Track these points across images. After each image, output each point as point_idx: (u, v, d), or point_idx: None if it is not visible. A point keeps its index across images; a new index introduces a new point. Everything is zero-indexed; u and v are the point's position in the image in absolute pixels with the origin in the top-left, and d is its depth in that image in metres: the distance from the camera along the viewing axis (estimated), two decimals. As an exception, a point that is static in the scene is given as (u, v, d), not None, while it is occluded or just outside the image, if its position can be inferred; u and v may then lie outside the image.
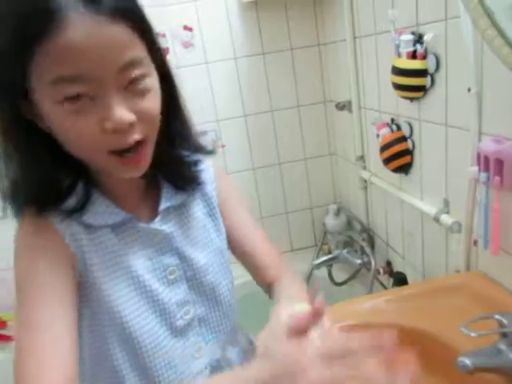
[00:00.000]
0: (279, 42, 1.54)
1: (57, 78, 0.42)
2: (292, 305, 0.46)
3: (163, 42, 1.47)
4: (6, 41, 0.42)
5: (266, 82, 1.58)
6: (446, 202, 0.95)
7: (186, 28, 1.48)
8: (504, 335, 0.60)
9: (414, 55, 0.91)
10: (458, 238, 0.90)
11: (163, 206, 0.57)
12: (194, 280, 0.58)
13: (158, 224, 0.56)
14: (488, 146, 0.72)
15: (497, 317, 0.60)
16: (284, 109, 1.62)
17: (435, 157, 0.95)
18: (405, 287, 1.05)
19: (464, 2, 0.57)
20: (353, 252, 1.45)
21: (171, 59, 1.50)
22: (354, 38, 1.27)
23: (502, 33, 0.54)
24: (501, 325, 0.60)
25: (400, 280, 1.17)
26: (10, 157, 0.49)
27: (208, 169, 0.63)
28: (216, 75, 1.54)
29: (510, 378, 0.60)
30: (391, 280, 1.26)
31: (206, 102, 1.56)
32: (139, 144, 0.47)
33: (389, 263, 1.36)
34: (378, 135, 1.13)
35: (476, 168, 0.75)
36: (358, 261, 1.40)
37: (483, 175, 0.73)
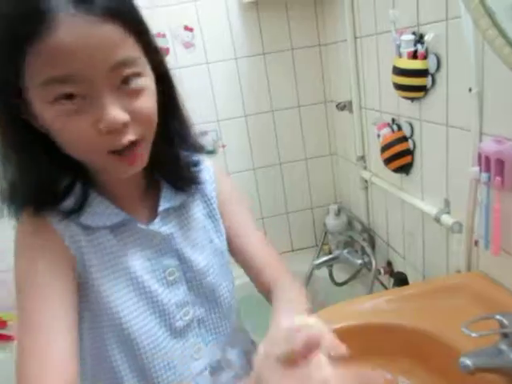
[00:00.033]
0: (280, 42, 1.54)
1: (47, 78, 0.42)
2: (291, 314, 0.46)
3: (164, 43, 1.47)
4: None
5: (267, 82, 1.58)
6: (447, 202, 0.94)
7: (186, 28, 1.49)
8: (505, 335, 0.60)
9: (414, 55, 0.91)
10: (459, 239, 0.90)
11: (162, 206, 0.56)
12: (193, 281, 0.58)
13: (157, 225, 0.56)
14: (489, 146, 0.72)
15: (498, 317, 0.60)
16: (284, 109, 1.62)
17: (436, 157, 0.95)
18: (405, 287, 1.04)
19: (465, 1, 0.57)
20: (353, 252, 1.45)
21: (172, 59, 1.52)
22: (355, 38, 1.27)
23: (502, 33, 0.54)
24: (502, 325, 0.60)
25: (401, 280, 1.17)
26: (8, 157, 0.49)
27: (208, 169, 0.63)
28: (216, 75, 1.54)
29: (511, 378, 0.60)
30: (392, 280, 1.26)
31: (207, 102, 1.56)
32: (134, 144, 0.47)
33: (389, 263, 1.36)
34: (378, 135, 1.13)
35: (477, 168, 0.75)
36: (359, 261, 1.40)
37: (484, 175, 0.73)
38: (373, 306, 0.85)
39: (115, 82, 0.44)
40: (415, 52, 0.91)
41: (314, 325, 0.39)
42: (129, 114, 0.45)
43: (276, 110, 1.62)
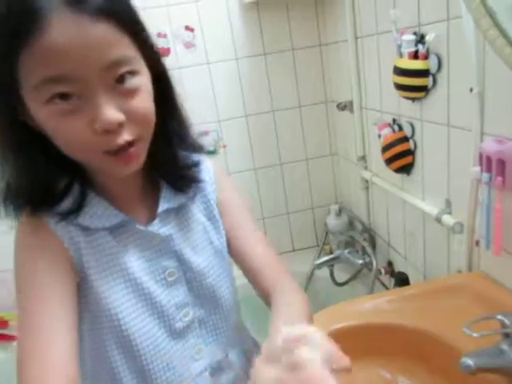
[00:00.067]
0: (280, 42, 1.54)
1: (41, 78, 0.42)
2: (291, 320, 0.45)
3: (165, 43, 1.47)
4: None
5: (268, 82, 1.58)
6: (448, 203, 0.94)
7: (187, 28, 1.49)
8: (506, 335, 0.60)
9: (415, 55, 0.91)
10: (460, 239, 0.90)
11: (162, 207, 0.56)
12: (193, 282, 0.58)
13: (156, 226, 0.55)
14: (490, 146, 0.72)
15: (499, 317, 0.60)
16: (285, 109, 1.62)
17: (437, 157, 0.95)
18: (406, 287, 1.05)
19: (466, 2, 0.57)
20: (354, 252, 1.45)
21: (173, 59, 1.53)
22: (356, 38, 1.27)
23: (504, 33, 0.54)
24: (503, 325, 0.60)
25: (402, 280, 1.17)
26: (6, 158, 0.49)
27: (208, 170, 0.62)
28: (217, 75, 1.54)
29: (513, 378, 0.60)
30: (393, 280, 1.26)
31: (208, 102, 1.56)
32: (130, 145, 0.47)
33: (390, 263, 1.35)
34: (379, 135, 1.13)
35: (478, 168, 0.75)
36: (360, 261, 1.40)
37: (485, 175, 0.73)
38: (374, 306, 0.85)
39: (110, 81, 0.44)
40: (416, 52, 0.91)
41: (313, 335, 0.38)
42: (124, 113, 0.45)
43: (277, 110, 1.62)
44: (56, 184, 0.50)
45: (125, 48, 0.45)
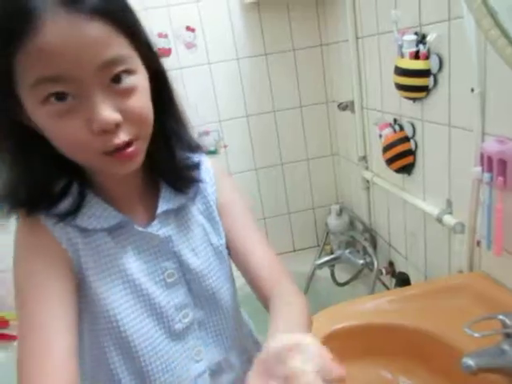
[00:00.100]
0: (281, 42, 1.54)
1: (37, 78, 0.41)
2: (288, 327, 0.45)
3: (166, 43, 1.47)
4: None
5: (269, 82, 1.58)
6: (449, 203, 0.94)
7: (188, 29, 1.49)
8: (508, 336, 0.60)
9: (416, 55, 0.91)
10: (461, 239, 0.90)
11: (161, 208, 0.55)
12: (193, 284, 0.57)
13: (155, 227, 0.55)
14: (491, 146, 0.72)
15: (500, 317, 0.60)
16: (286, 109, 1.62)
17: (438, 157, 0.95)
18: (407, 288, 1.05)
19: (467, 2, 0.57)
20: (355, 252, 1.45)
21: (174, 60, 1.53)
22: (357, 38, 1.27)
23: (505, 33, 0.53)
24: (504, 325, 0.60)
25: (402, 280, 1.17)
26: (3, 158, 0.49)
27: (208, 170, 0.62)
28: (218, 76, 1.55)
29: (514, 378, 0.60)
30: (394, 280, 1.26)
31: (209, 102, 1.56)
32: (128, 145, 0.46)
33: (391, 263, 1.35)
34: (380, 135, 1.13)
35: (479, 168, 0.75)
36: (361, 261, 1.40)
37: (486, 175, 0.73)
38: (375, 307, 0.85)
39: (105, 80, 0.44)
40: (417, 52, 0.91)
41: (307, 345, 0.38)
42: (121, 113, 0.45)
43: (278, 110, 1.62)
44: (54, 185, 0.50)
45: (121, 47, 0.45)
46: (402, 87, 0.96)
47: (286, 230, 1.77)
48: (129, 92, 0.45)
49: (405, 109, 1.06)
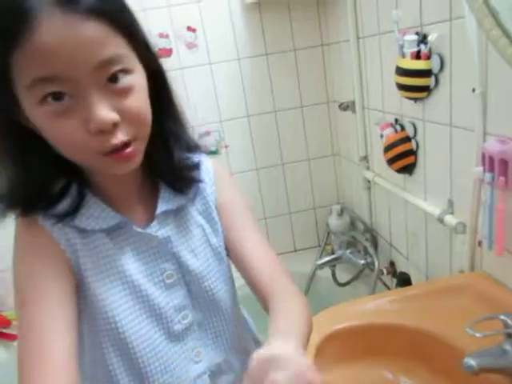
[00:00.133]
0: (282, 42, 1.54)
1: (33, 78, 0.41)
2: (282, 333, 0.45)
3: (167, 43, 1.48)
4: None
5: (270, 82, 1.58)
6: (451, 203, 0.94)
7: (189, 29, 1.49)
8: (509, 336, 0.60)
9: (418, 55, 0.91)
10: (463, 239, 0.90)
11: (160, 209, 0.55)
12: (192, 285, 0.57)
13: (154, 228, 0.55)
14: (493, 146, 0.72)
15: (502, 317, 0.60)
16: (287, 109, 1.62)
17: (439, 157, 0.95)
18: (408, 288, 1.04)
19: (468, 2, 0.57)
20: (356, 252, 1.45)
21: (175, 60, 1.53)
22: (358, 38, 1.27)
23: (506, 33, 0.53)
24: (506, 325, 0.60)
25: (404, 280, 1.17)
26: (2, 159, 0.49)
27: (208, 171, 0.61)
28: (219, 76, 1.55)
29: (515, 378, 0.60)
30: (395, 280, 1.26)
31: (210, 102, 1.56)
32: (127, 145, 0.46)
33: (392, 264, 1.35)
34: (381, 135, 1.13)
35: (481, 168, 0.75)
36: (362, 261, 1.40)
37: (488, 175, 0.73)
38: (376, 307, 0.85)
39: (102, 80, 0.44)
40: (418, 52, 0.91)
41: (287, 357, 0.38)
42: (118, 113, 0.44)
43: (279, 110, 1.62)
44: (52, 185, 0.50)
45: (117, 47, 0.44)
46: (403, 87, 0.96)
47: (287, 230, 1.77)
48: (126, 92, 0.45)
49: (406, 109, 1.06)
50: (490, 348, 0.61)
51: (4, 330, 1.52)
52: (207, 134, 1.59)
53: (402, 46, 0.94)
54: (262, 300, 0.55)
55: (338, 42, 1.45)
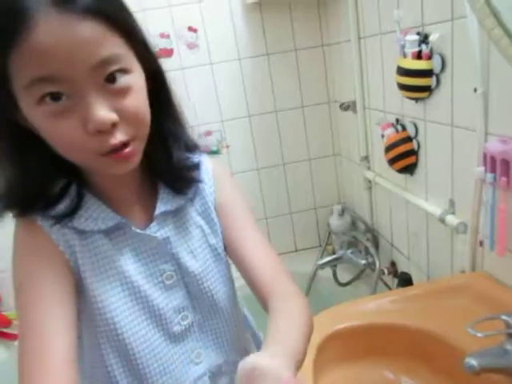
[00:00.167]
0: (283, 42, 1.54)
1: (31, 79, 0.41)
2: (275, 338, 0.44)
3: (168, 43, 1.48)
4: None
5: (271, 82, 1.58)
6: (452, 203, 0.94)
7: (190, 29, 1.49)
8: (511, 336, 0.60)
9: (419, 55, 0.91)
10: (464, 239, 0.90)
11: (159, 210, 0.55)
12: (191, 286, 0.57)
13: (153, 229, 0.55)
14: (494, 146, 0.72)
15: (504, 317, 0.60)
16: (288, 109, 1.62)
17: (441, 157, 0.95)
18: (410, 288, 1.04)
19: (470, 1, 0.57)
20: (357, 252, 1.45)
21: (176, 60, 1.53)
22: (359, 38, 1.27)
23: (508, 33, 0.53)
24: (508, 325, 0.60)
25: (405, 280, 1.17)
26: (0, 159, 0.49)
27: (207, 171, 0.61)
28: (220, 76, 1.55)
29: (517, 378, 0.60)
30: (396, 280, 1.25)
31: (211, 102, 1.56)
32: (125, 146, 0.46)
33: (393, 264, 1.35)
34: (382, 135, 1.13)
35: (482, 168, 0.75)
36: (363, 261, 1.40)
37: (489, 176, 0.73)
38: (377, 307, 0.85)
39: (99, 80, 0.43)
40: (420, 52, 0.91)
41: (270, 367, 0.38)
42: (117, 113, 0.44)
43: (280, 110, 1.62)
44: (51, 186, 0.50)
45: (115, 46, 0.44)
46: (404, 87, 0.96)
47: (288, 230, 1.77)
48: (124, 91, 0.45)
49: (407, 109, 1.05)
50: (492, 348, 0.61)
51: (5, 330, 1.52)
52: (208, 134, 1.59)
53: (403, 46, 0.94)
54: (262, 300, 0.55)
55: (339, 42, 1.45)
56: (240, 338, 0.63)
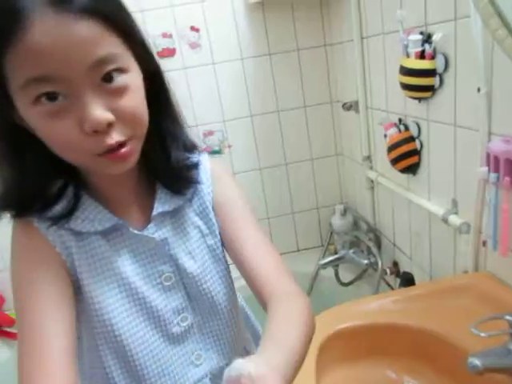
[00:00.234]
0: (286, 42, 1.54)
1: (26, 79, 0.41)
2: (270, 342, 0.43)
3: (170, 43, 1.48)
4: None
5: (273, 82, 1.58)
6: (455, 203, 0.94)
7: (192, 29, 1.49)
8: (514, 336, 0.60)
9: (422, 55, 0.91)
10: (467, 239, 0.90)
11: (156, 210, 0.54)
12: (190, 287, 0.57)
13: (151, 230, 0.54)
14: (498, 146, 0.72)
15: (507, 317, 0.60)
16: (290, 109, 1.62)
17: (443, 157, 0.95)
18: (412, 288, 1.04)
19: (474, 1, 0.56)
20: (359, 252, 1.45)
21: (178, 60, 1.53)
22: (362, 38, 1.27)
23: (512, 32, 0.53)
24: (511, 325, 0.60)
25: (407, 280, 1.17)
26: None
27: (206, 171, 0.60)
28: (223, 76, 1.55)
29: (520, 379, 0.60)
30: (398, 280, 1.25)
31: (213, 102, 1.56)
32: (122, 146, 0.46)
33: (395, 263, 1.35)
34: (385, 135, 1.13)
35: (485, 168, 0.75)
36: (365, 261, 1.40)
37: (493, 176, 0.73)
38: (379, 306, 0.85)
39: (96, 79, 0.43)
40: (423, 52, 0.91)
41: (256, 374, 0.36)
42: (113, 113, 0.44)
43: (282, 110, 1.62)
44: (49, 186, 0.50)
45: (112, 46, 0.44)
46: (407, 87, 0.96)
47: (290, 230, 1.77)
48: (121, 91, 0.45)
49: (410, 109, 1.05)
50: (495, 348, 0.60)
51: (7, 329, 1.53)
52: (210, 133, 1.59)
53: (406, 46, 0.94)
54: (262, 301, 0.53)
55: (342, 42, 1.45)
56: (241, 339, 0.63)
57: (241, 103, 1.58)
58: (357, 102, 1.36)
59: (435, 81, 0.90)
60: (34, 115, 0.43)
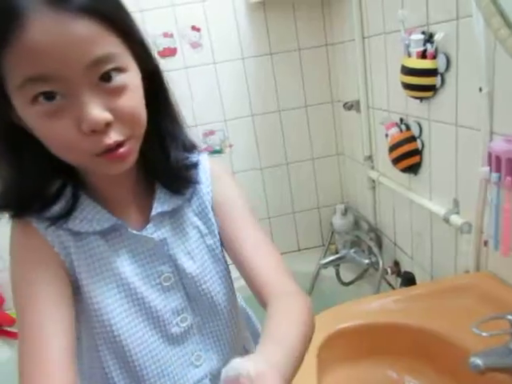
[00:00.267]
0: (287, 42, 1.54)
1: (24, 78, 0.41)
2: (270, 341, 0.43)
3: (171, 43, 1.48)
4: None
5: (274, 82, 1.58)
6: (456, 203, 0.94)
7: (193, 28, 1.49)
8: (515, 336, 0.60)
9: (423, 55, 0.91)
10: (468, 239, 0.90)
11: (155, 210, 0.54)
12: (189, 288, 0.56)
13: (150, 230, 0.54)
14: (499, 145, 0.72)
15: (509, 317, 0.60)
16: (291, 109, 1.62)
17: (445, 157, 0.95)
18: (413, 287, 1.04)
19: (476, 0, 0.56)
20: (360, 252, 1.45)
21: (179, 59, 1.53)
22: (363, 37, 1.27)
23: (514, 32, 0.53)
24: (512, 325, 0.60)
25: (408, 280, 1.17)
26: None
27: (204, 170, 0.59)
28: (224, 75, 1.55)
29: (522, 378, 0.60)
30: (399, 280, 1.25)
31: (214, 102, 1.56)
32: (120, 145, 0.45)
33: (396, 263, 1.35)
34: (386, 135, 1.13)
35: (487, 168, 0.75)
36: (366, 260, 1.40)
37: (494, 175, 0.73)
38: (380, 306, 0.85)
39: (94, 79, 0.43)
40: (424, 51, 0.91)
41: (255, 374, 0.35)
42: (111, 112, 0.44)
43: (283, 109, 1.62)
44: (47, 186, 0.50)
45: (110, 45, 0.43)
46: (408, 86, 0.96)
47: (291, 230, 1.77)
48: (119, 91, 0.44)
49: (411, 108, 1.05)
50: (497, 347, 0.60)
51: (8, 328, 1.53)
52: (211, 133, 1.59)
53: (407, 46, 0.94)
54: (262, 301, 0.53)
55: (343, 41, 1.45)
56: (241, 339, 0.63)
57: (242, 103, 1.58)
58: (358, 102, 1.36)
59: (437, 80, 0.90)
60: (31, 115, 0.43)
